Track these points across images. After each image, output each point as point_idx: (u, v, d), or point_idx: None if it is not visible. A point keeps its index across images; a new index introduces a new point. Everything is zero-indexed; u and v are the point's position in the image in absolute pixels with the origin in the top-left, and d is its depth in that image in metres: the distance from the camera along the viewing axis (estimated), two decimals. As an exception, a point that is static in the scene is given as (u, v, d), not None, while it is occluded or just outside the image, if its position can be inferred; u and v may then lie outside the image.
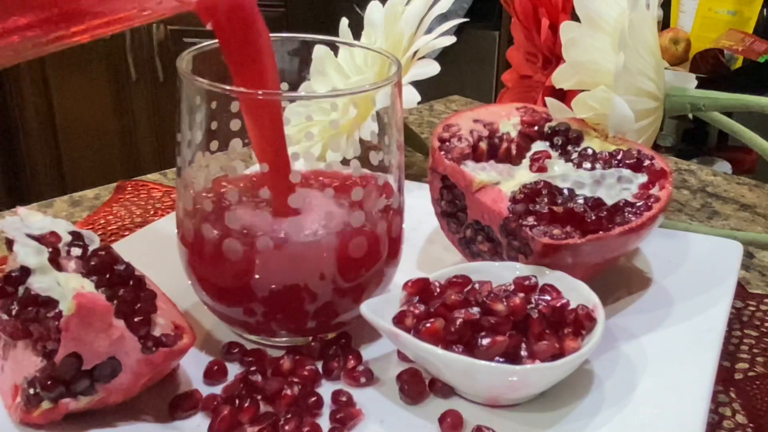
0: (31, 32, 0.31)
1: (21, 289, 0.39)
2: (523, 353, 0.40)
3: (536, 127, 0.53)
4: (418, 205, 0.52)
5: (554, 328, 0.41)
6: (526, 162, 0.51)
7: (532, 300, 0.43)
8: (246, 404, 0.39)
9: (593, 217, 0.45)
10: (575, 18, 0.54)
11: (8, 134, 2.24)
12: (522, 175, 0.50)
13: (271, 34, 0.43)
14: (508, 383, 0.39)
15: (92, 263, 0.41)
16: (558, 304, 0.42)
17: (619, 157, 0.50)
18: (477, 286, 0.44)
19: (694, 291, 0.49)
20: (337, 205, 0.43)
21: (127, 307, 0.39)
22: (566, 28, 0.53)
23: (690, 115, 0.59)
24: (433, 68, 0.62)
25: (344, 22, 0.65)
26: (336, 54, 0.63)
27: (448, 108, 0.93)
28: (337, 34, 0.65)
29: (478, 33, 2.14)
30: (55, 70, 2.18)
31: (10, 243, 0.41)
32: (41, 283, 0.38)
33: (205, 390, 0.41)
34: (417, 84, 0.62)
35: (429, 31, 0.63)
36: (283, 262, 0.42)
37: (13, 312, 0.38)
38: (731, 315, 0.51)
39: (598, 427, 0.39)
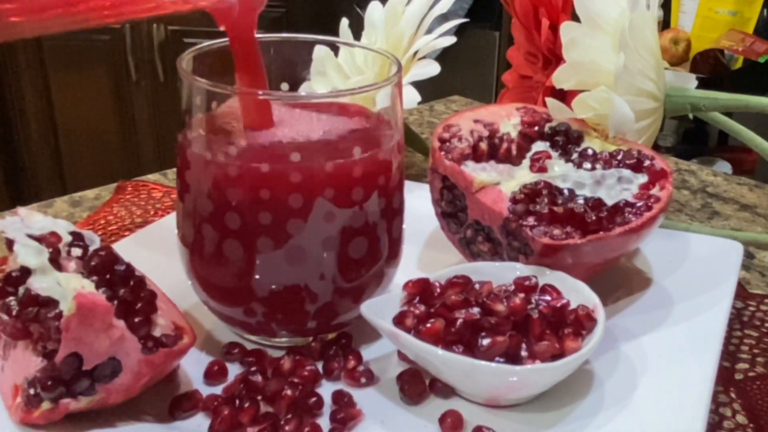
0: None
1: (21, 289, 0.39)
2: (524, 353, 0.40)
3: (536, 128, 0.53)
4: (418, 205, 0.52)
5: (554, 329, 0.41)
6: (526, 162, 0.51)
7: (533, 300, 0.43)
8: (246, 404, 0.39)
9: (593, 218, 0.45)
10: (575, 18, 0.54)
11: (8, 134, 2.24)
12: (522, 175, 0.50)
13: (271, 34, 0.46)
14: (509, 383, 0.39)
15: (92, 263, 0.41)
16: (558, 305, 0.42)
17: (619, 158, 0.50)
18: (477, 286, 0.44)
19: (695, 291, 0.49)
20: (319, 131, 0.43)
21: (128, 308, 0.39)
22: (566, 28, 0.53)
23: (690, 115, 0.59)
24: (433, 68, 0.62)
25: (344, 22, 0.65)
26: (336, 54, 0.63)
27: (448, 108, 0.93)
28: (337, 34, 0.65)
29: (478, 33, 2.14)
30: (55, 70, 2.18)
31: (10, 243, 0.41)
32: (41, 283, 0.38)
33: (205, 390, 0.41)
34: (417, 84, 0.62)
35: (429, 31, 0.63)
36: (283, 261, 0.42)
37: (14, 312, 0.38)
38: (731, 315, 0.51)
39: (598, 427, 0.39)
